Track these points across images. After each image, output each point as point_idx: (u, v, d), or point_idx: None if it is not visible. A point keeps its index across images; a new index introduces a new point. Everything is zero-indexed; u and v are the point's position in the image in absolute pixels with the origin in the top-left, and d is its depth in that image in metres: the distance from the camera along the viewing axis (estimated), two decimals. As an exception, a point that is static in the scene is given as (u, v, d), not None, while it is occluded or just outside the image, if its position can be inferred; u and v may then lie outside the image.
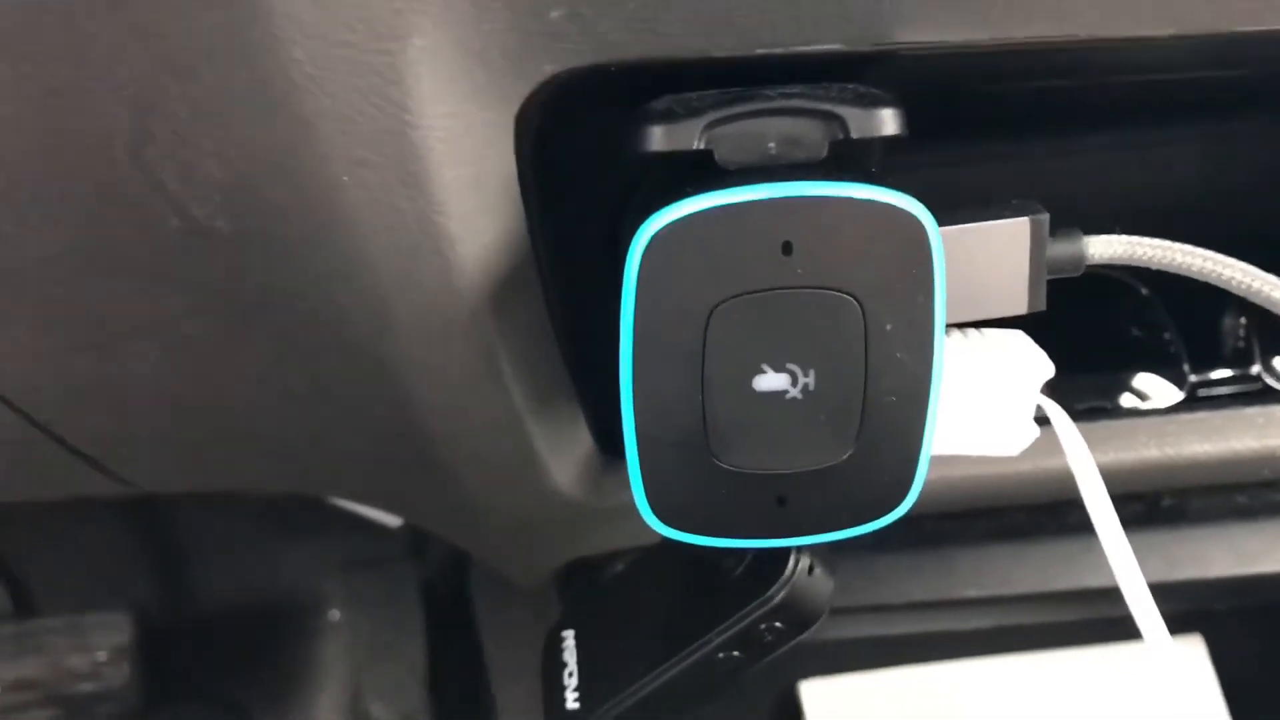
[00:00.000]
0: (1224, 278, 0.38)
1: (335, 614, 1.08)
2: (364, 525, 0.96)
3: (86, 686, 1.06)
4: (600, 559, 0.62)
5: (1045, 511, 0.62)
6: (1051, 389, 0.63)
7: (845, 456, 0.38)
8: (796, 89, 0.36)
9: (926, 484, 0.58)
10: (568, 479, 0.53)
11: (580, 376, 0.50)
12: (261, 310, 0.45)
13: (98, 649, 1.06)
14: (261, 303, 0.45)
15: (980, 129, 0.51)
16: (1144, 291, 0.62)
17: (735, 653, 0.44)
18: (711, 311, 0.36)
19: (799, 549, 0.43)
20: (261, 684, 1.08)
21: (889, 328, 0.36)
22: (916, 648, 0.68)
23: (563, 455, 0.52)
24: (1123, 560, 0.40)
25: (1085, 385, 0.62)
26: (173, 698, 1.09)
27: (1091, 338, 0.64)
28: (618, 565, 0.62)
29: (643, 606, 0.49)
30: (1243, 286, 0.38)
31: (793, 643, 0.44)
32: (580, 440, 0.53)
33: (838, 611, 0.63)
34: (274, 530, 1.07)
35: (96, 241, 0.43)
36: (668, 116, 0.36)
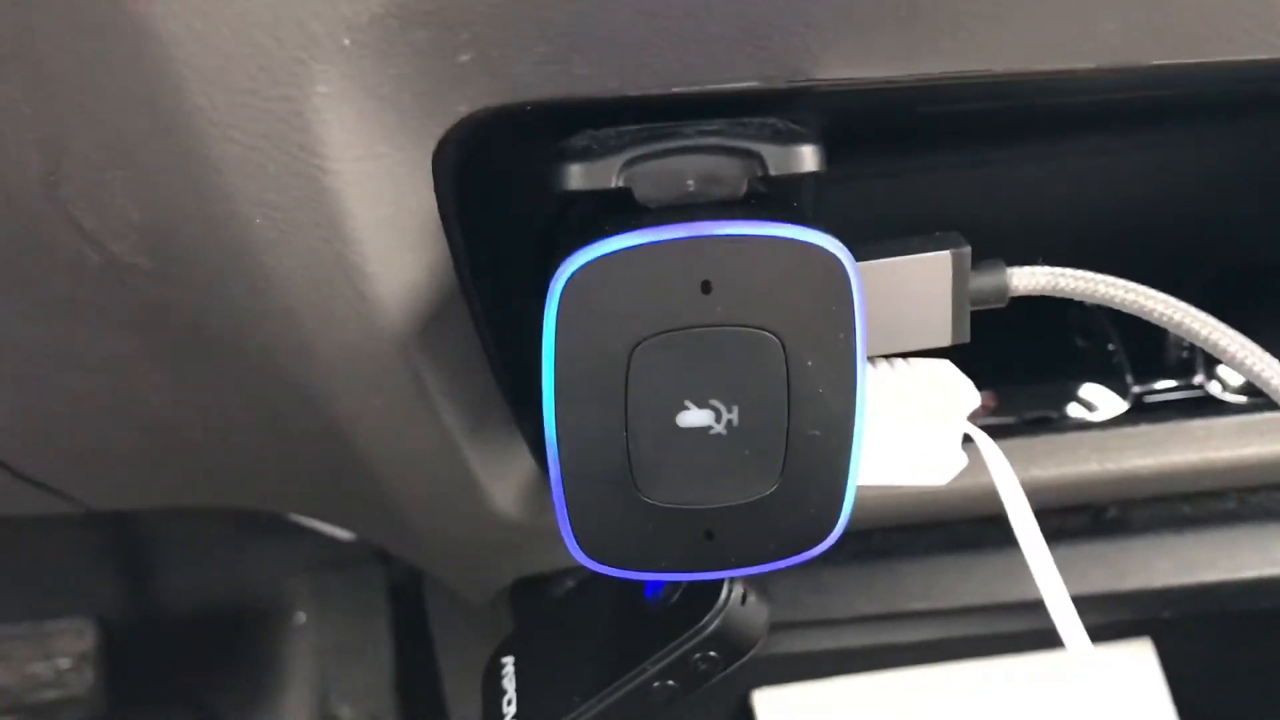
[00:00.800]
0: (1146, 309, 0.38)
1: (302, 616, 1.08)
2: (322, 530, 0.96)
3: (50, 694, 1.06)
4: (548, 576, 0.62)
5: (991, 524, 0.62)
6: (998, 399, 0.63)
7: (771, 490, 0.38)
8: (715, 125, 0.36)
9: (872, 498, 0.58)
10: (509, 501, 0.53)
11: (518, 400, 0.50)
12: (191, 342, 0.45)
13: (60, 656, 1.06)
14: (190, 335, 0.44)
15: (915, 146, 0.51)
16: (1088, 303, 0.62)
17: (670, 682, 0.44)
18: (633, 349, 0.35)
19: (732, 578, 0.43)
20: (228, 687, 1.07)
21: (810, 364, 0.36)
22: (867, 660, 0.69)
23: (502, 478, 0.52)
24: (1047, 575, 0.41)
25: (1031, 395, 0.62)
26: (139, 703, 1.08)
27: (1037, 347, 0.64)
28: (567, 583, 0.62)
29: (582, 633, 0.49)
30: (1164, 318, 0.38)
31: (727, 671, 0.44)
32: (520, 462, 0.53)
33: (789, 625, 0.64)
34: (240, 533, 1.06)
35: (20, 278, 0.42)
36: (585, 155, 0.36)
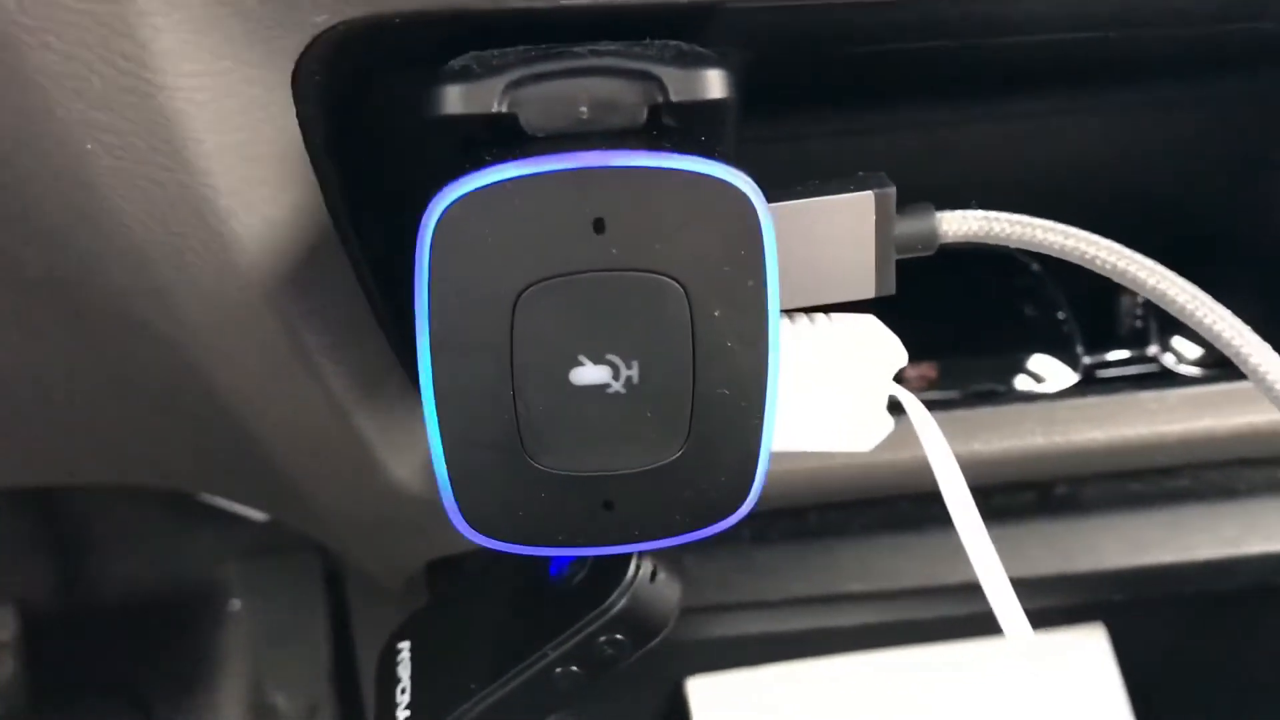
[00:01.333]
0: (1088, 256, 0.35)
1: (236, 603, 1.05)
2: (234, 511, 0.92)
3: (-34, 683, 1.02)
4: (462, 558, 0.58)
5: (933, 500, 0.59)
6: (943, 371, 0.60)
7: (676, 455, 0.34)
8: (612, 47, 0.33)
9: (805, 472, 0.54)
10: (410, 474, 0.49)
11: (411, 360, 0.46)
12: (46, 294, 0.41)
13: (-22, 645, 1.02)
14: (45, 286, 0.40)
15: (830, 97, 0.48)
16: (1035, 268, 0.59)
17: (574, 668, 0.40)
18: (518, 297, 0.32)
19: (640, 553, 0.40)
20: (161, 675, 1.05)
21: (717, 314, 0.32)
22: (803, 645, 0.65)
23: (400, 448, 0.48)
24: (981, 551, 0.37)
25: (978, 367, 0.59)
26: (68, 692, 1.05)
27: (983, 317, 0.61)
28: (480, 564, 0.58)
29: (481, 617, 0.45)
30: (1107, 266, 0.35)
31: (636, 655, 0.41)
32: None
33: (720, 608, 0.60)
34: (172, 518, 1.03)
35: None
36: (465, 75, 0.32)
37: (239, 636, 1.05)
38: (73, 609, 1.05)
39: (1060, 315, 0.59)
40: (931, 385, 0.58)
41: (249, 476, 0.57)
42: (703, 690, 0.67)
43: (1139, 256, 0.35)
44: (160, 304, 0.37)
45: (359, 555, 0.63)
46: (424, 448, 0.49)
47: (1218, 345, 0.34)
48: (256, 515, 0.86)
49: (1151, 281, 0.34)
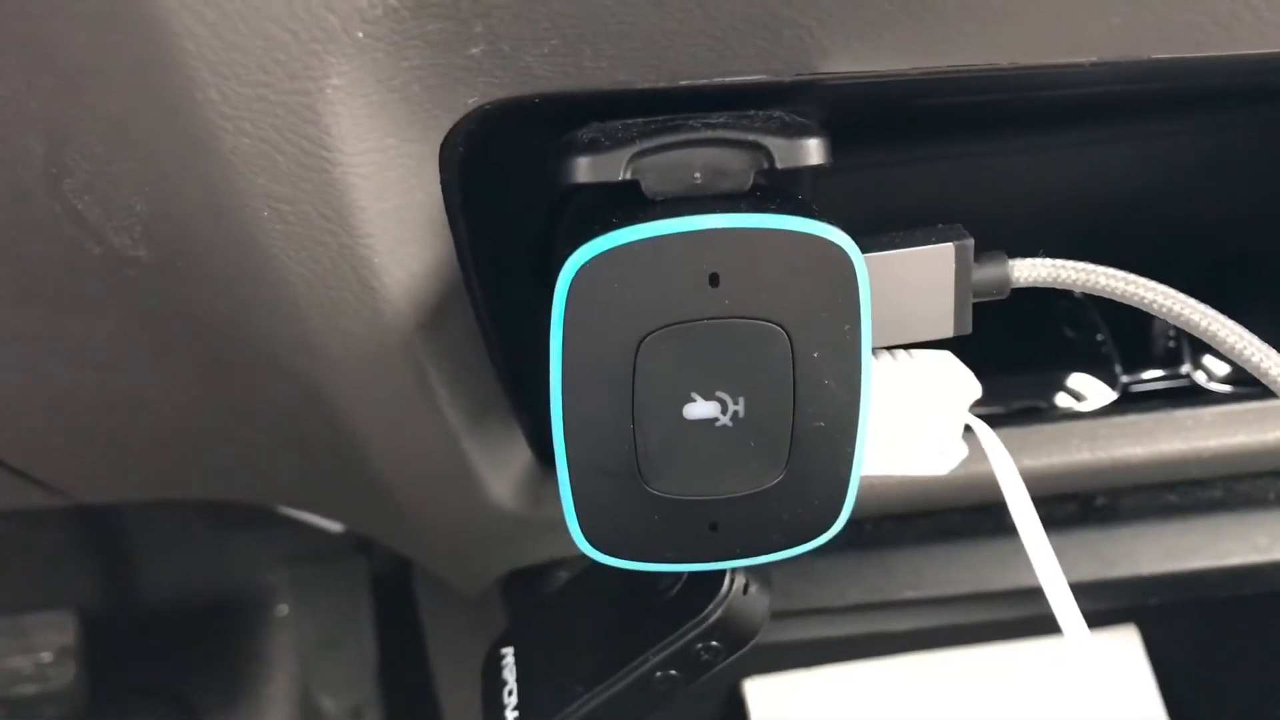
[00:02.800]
0: (1145, 300, 0.39)
1: (283, 608, 1.08)
2: (309, 522, 0.95)
3: (30, 688, 1.05)
4: (541, 568, 0.62)
5: (982, 512, 0.63)
6: (987, 389, 0.64)
7: (776, 481, 0.38)
8: (722, 118, 0.36)
9: (865, 487, 0.59)
10: (505, 492, 0.53)
11: (516, 392, 0.50)
12: (189, 335, 0.45)
13: (41, 649, 1.05)
14: (189, 328, 0.44)
15: (914, 136, 0.52)
16: (1077, 294, 0.63)
17: (672, 672, 0.44)
18: (640, 342, 0.36)
19: (733, 569, 0.44)
20: (210, 680, 1.07)
21: (816, 355, 0.36)
22: (858, 648, 0.69)
23: (500, 469, 0.52)
24: (1046, 565, 0.41)
25: (1020, 385, 0.63)
26: (120, 696, 1.08)
27: (1026, 338, 0.64)
28: (560, 575, 0.62)
29: (582, 625, 0.49)
30: (1163, 309, 0.38)
31: (729, 660, 0.44)
32: (518, 453, 0.53)
33: (780, 615, 0.64)
34: (221, 525, 1.06)
35: (18, 268, 0.42)
36: (593, 148, 0.36)
37: (286, 641, 1.08)
38: (124, 615, 1.08)
39: (1099, 337, 0.63)
40: (977, 402, 0.61)
41: (343, 492, 0.61)
42: (760, 691, 0.71)
43: (1191, 301, 0.38)
44: (304, 348, 0.41)
45: (440, 565, 0.66)
46: (518, 469, 0.53)
47: (1264, 381, 0.38)
48: (328, 525, 0.89)
49: (1203, 324, 0.38)
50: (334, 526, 0.90)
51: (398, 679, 1.05)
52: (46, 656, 1.05)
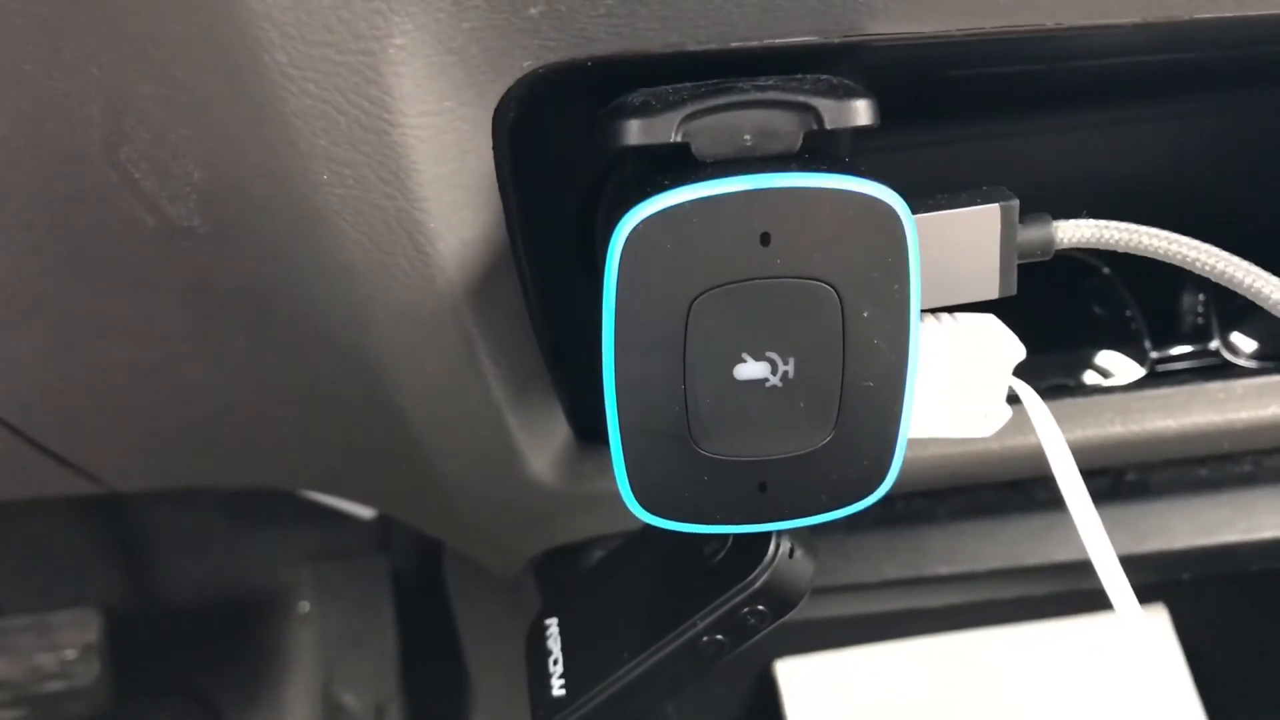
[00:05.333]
0: (1189, 259, 0.39)
1: (305, 605, 1.09)
2: (332, 516, 0.96)
3: (55, 685, 1.06)
4: (577, 546, 0.62)
5: (1014, 488, 0.63)
6: (1017, 367, 0.64)
7: (825, 442, 0.39)
8: (771, 81, 0.37)
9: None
10: (545, 466, 0.53)
11: (557, 366, 0.50)
12: (238, 307, 0.45)
13: (66, 647, 1.06)
14: (238, 299, 0.45)
15: (949, 110, 0.52)
16: (1105, 270, 0.63)
17: (719, 636, 0.44)
18: (692, 302, 0.36)
19: (779, 533, 0.44)
20: (232, 676, 1.08)
21: (866, 315, 0.37)
22: (891, 625, 0.69)
23: (540, 443, 0.52)
24: (1094, 535, 0.41)
25: (1050, 363, 0.63)
26: (143, 693, 1.09)
27: (1054, 316, 0.65)
28: (595, 553, 0.62)
29: (625, 593, 0.49)
30: (1206, 267, 0.39)
31: (774, 624, 0.45)
32: (557, 428, 0.53)
33: (814, 591, 0.64)
34: (241, 522, 1.06)
35: (68, 241, 0.43)
36: (644, 110, 0.36)
37: (308, 637, 1.09)
38: (147, 612, 1.08)
39: (1128, 313, 0.63)
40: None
41: (380, 472, 0.61)
42: (791, 671, 0.71)
43: (1234, 258, 0.39)
44: (355, 317, 0.42)
45: (474, 544, 0.67)
46: (558, 444, 0.54)
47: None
48: (360, 513, 0.90)
49: (1247, 280, 0.38)
50: (363, 513, 0.90)
51: (421, 674, 1.05)
52: (71, 654, 1.05)
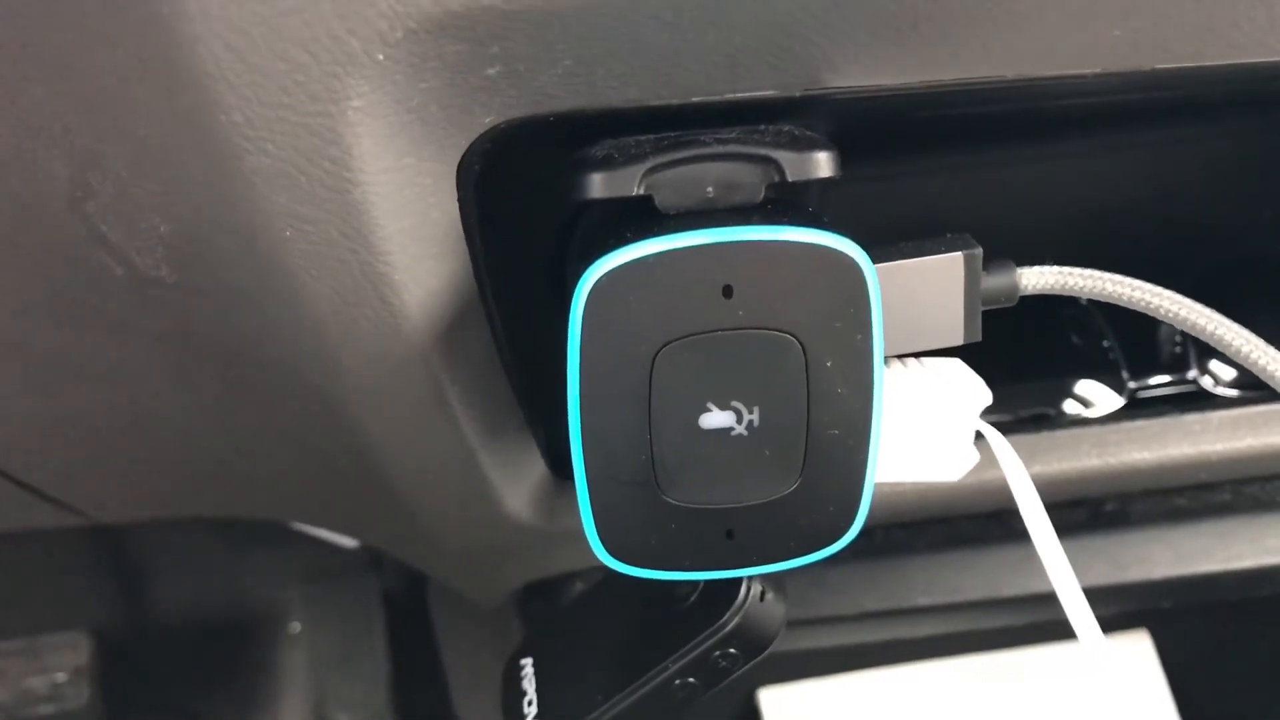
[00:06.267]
0: (1152, 305, 0.39)
1: (296, 626, 1.08)
2: (323, 538, 0.96)
3: (46, 709, 1.06)
4: (556, 580, 0.63)
5: (992, 519, 0.64)
6: (996, 397, 0.64)
7: (791, 489, 0.39)
8: (733, 133, 0.37)
9: (877, 494, 0.59)
10: (521, 504, 0.54)
11: (531, 404, 0.50)
12: (210, 352, 0.45)
13: (56, 670, 1.06)
14: (210, 345, 0.45)
15: (914, 146, 0.52)
16: (1083, 301, 0.64)
17: (691, 679, 0.45)
18: (656, 353, 0.36)
19: (750, 576, 0.44)
20: (223, 698, 1.08)
21: (829, 364, 0.37)
22: (872, 656, 0.69)
23: (515, 481, 0.52)
24: (1060, 571, 0.42)
25: (1028, 392, 0.63)
26: (135, 715, 1.08)
27: (1033, 345, 0.65)
28: (576, 586, 0.63)
29: (600, 634, 0.49)
30: (1170, 314, 0.39)
31: (746, 667, 0.45)
32: (532, 466, 0.53)
33: (794, 623, 0.64)
34: (232, 544, 1.06)
35: (41, 289, 0.43)
36: (607, 164, 0.36)
37: (299, 658, 1.08)
38: (138, 634, 1.08)
39: (1106, 343, 0.64)
40: (987, 410, 0.62)
41: (359, 507, 0.61)
42: (774, 699, 0.71)
43: (1198, 306, 0.39)
44: (323, 364, 0.42)
45: (456, 577, 0.67)
46: (533, 481, 0.54)
47: (1271, 384, 0.38)
48: (342, 541, 0.90)
49: (1210, 328, 0.39)
50: (348, 542, 0.90)
51: (412, 695, 1.05)
52: (62, 677, 1.05)
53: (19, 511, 0.64)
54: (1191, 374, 0.64)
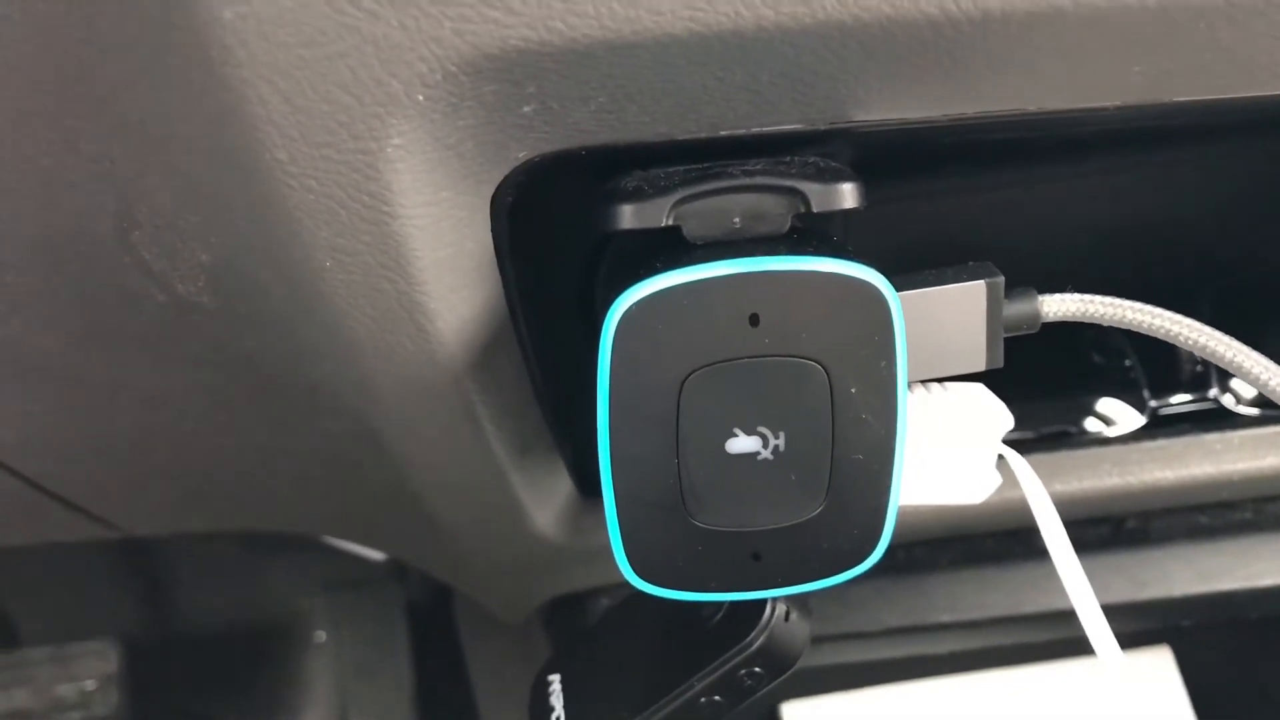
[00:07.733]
0: (1171, 333, 0.40)
1: (321, 635, 1.09)
2: (349, 550, 0.97)
3: (75, 716, 1.07)
4: (583, 595, 0.63)
5: (1014, 536, 0.64)
6: (1017, 415, 0.65)
7: (816, 512, 0.39)
8: (759, 164, 0.38)
9: (900, 512, 0.60)
10: (548, 522, 0.55)
11: (560, 426, 0.51)
12: (246, 376, 0.47)
13: (85, 678, 1.07)
14: (246, 369, 0.46)
15: (940, 168, 0.53)
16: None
17: (717, 697, 0.45)
18: (684, 380, 0.37)
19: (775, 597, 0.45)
20: (249, 706, 1.09)
21: (854, 391, 0.38)
22: (894, 671, 0.70)
23: (543, 500, 0.53)
24: (1078, 588, 0.42)
25: (1049, 410, 0.64)
26: (159, 724, 1.09)
27: (1054, 363, 0.65)
28: (602, 603, 0.63)
29: (627, 652, 0.50)
30: (1190, 341, 0.40)
31: (770, 685, 0.46)
32: (560, 484, 0.54)
33: (817, 640, 0.65)
34: (259, 554, 1.07)
35: (85, 314, 0.44)
36: (637, 195, 0.37)
37: (323, 668, 1.09)
38: (165, 643, 1.09)
39: (1127, 362, 0.64)
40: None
41: (389, 523, 0.62)
42: (797, 714, 0.72)
43: (1215, 332, 0.40)
44: (359, 388, 0.43)
45: (483, 593, 0.68)
46: (561, 500, 0.55)
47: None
48: (370, 554, 0.91)
49: (1228, 355, 0.39)
50: (375, 555, 0.91)
51: (436, 707, 1.06)
52: (90, 684, 1.07)
53: (55, 525, 0.65)
54: (1213, 392, 0.64)
